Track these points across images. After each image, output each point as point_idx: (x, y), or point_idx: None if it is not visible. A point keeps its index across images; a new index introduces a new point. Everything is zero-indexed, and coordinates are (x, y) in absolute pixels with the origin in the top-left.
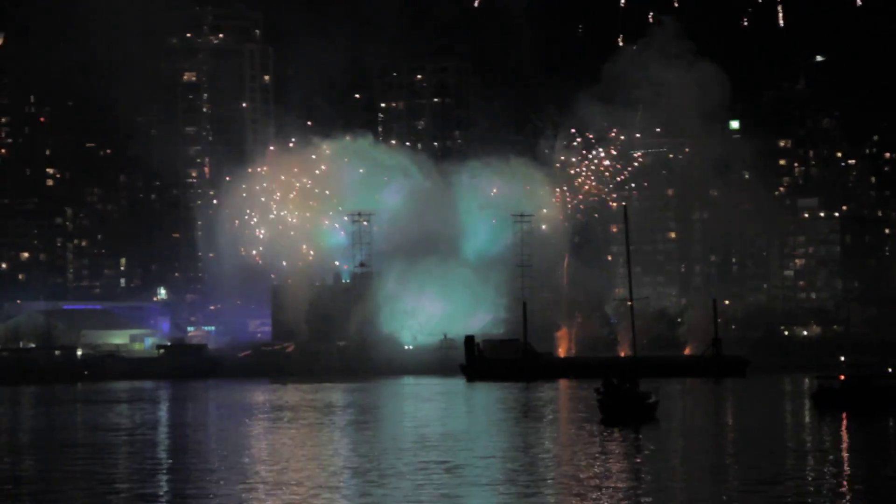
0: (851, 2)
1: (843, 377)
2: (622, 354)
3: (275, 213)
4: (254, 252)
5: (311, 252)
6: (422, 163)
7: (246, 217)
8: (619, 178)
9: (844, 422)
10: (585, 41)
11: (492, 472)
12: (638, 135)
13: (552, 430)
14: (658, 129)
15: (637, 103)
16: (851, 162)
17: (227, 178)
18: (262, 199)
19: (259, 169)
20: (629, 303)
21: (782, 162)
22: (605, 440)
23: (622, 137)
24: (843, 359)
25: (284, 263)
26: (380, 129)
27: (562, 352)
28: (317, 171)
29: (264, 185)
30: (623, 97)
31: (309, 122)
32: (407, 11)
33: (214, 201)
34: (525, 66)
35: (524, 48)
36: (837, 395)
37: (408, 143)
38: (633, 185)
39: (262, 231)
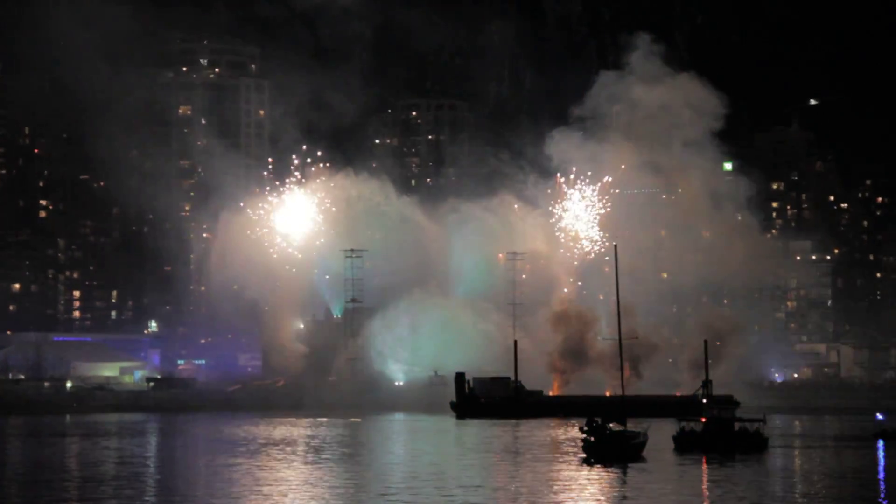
0: (845, 46)
1: (703, 419)
2: (614, 393)
3: (267, 247)
4: (246, 286)
5: (303, 287)
6: (414, 199)
7: (238, 251)
8: (602, 217)
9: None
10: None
11: None
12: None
13: (534, 468)
14: (645, 165)
15: (620, 138)
16: (844, 205)
17: (220, 213)
18: (254, 234)
19: (251, 204)
20: (619, 342)
21: (775, 204)
22: (583, 478)
23: (608, 178)
24: (704, 401)
25: (276, 298)
26: (373, 164)
27: (553, 390)
28: (309, 207)
29: (256, 220)
30: (604, 131)
31: (302, 158)
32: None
33: (207, 235)
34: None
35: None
36: (698, 438)
37: (401, 179)
38: (625, 224)
39: (254, 266)
